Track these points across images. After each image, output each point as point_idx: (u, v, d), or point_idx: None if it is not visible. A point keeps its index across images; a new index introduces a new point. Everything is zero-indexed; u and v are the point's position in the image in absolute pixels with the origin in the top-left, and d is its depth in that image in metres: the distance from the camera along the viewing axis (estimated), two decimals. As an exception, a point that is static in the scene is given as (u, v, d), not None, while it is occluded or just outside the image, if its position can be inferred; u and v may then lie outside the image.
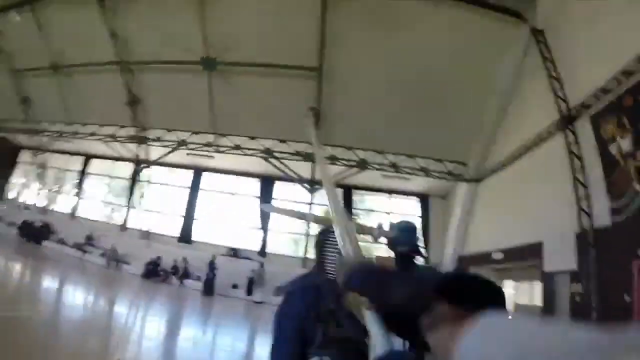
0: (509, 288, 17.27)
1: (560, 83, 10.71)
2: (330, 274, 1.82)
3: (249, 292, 16.85)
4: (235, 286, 17.12)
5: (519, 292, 15.63)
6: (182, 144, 18.49)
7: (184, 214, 21.37)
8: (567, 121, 10.42)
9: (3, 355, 4.11)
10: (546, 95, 11.66)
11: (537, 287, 13.61)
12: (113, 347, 6.04)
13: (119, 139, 19.83)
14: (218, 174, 21.90)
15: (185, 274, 17.34)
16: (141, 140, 19.40)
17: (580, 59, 10.22)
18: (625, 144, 8.33)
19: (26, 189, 26.33)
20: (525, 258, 12.85)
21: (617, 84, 8.45)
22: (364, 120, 16.48)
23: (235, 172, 21.33)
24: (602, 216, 9.21)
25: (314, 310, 1.71)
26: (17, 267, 12.11)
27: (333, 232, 1.84)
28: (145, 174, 20.73)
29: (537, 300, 13.54)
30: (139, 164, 20.33)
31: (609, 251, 8.87)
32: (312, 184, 18.61)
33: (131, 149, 20.12)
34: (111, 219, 23.54)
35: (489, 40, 13.66)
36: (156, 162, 20.32)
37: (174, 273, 17.34)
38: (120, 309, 9.86)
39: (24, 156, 25.99)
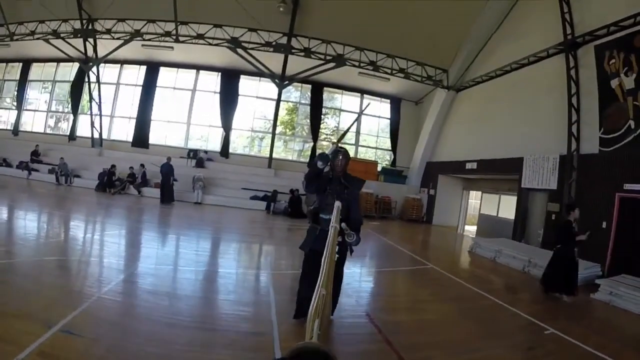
0: (473, 199, 19.79)
1: (569, 6, 11.36)
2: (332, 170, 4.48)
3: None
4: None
5: (484, 202, 18.01)
6: (136, 35, 17.16)
7: (138, 116, 20.62)
8: (570, 45, 11.30)
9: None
10: (548, 17, 12.45)
11: (506, 200, 15.93)
12: (74, 280, 5.38)
13: (62, 35, 17.96)
14: (175, 69, 20.92)
15: (144, 182, 16.83)
16: (88, 33, 17.67)
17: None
18: (628, 81, 9.53)
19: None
20: (502, 172, 14.59)
21: (633, 22, 9.32)
22: (344, 13, 16.10)
23: (195, 66, 20.54)
24: (590, 144, 10.75)
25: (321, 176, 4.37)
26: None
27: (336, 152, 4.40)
28: (93, 74, 19.19)
29: (503, 212, 16.07)
30: (87, 62, 18.69)
31: (591, 178, 10.57)
32: (283, 79, 18.47)
33: (77, 46, 18.32)
34: (58, 129, 22.38)
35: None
36: (106, 59, 18.73)
37: (132, 182, 16.72)
38: (76, 232, 8.99)
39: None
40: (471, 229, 19.09)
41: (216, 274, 6.77)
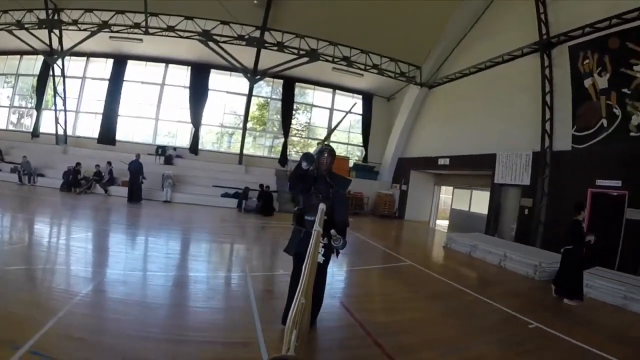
0: (444, 194, 20.03)
1: (545, 7, 11.55)
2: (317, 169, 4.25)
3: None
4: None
5: (455, 197, 18.27)
6: (104, 26, 16.20)
7: (104, 111, 19.51)
8: (545, 45, 11.49)
9: None
10: (524, 16, 12.61)
11: (478, 195, 16.22)
12: (41, 293, 4.82)
13: (26, 26, 16.75)
14: (144, 63, 19.92)
15: (111, 180, 15.95)
16: (54, 24, 16.57)
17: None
18: (601, 81, 9.76)
19: None
20: (475, 167, 14.80)
21: (609, 25, 9.51)
22: (319, 7, 15.77)
23: (164, 59, 19.65)
24: (562, 141, 11.00)
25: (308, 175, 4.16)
26: None
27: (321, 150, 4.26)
28: (58, 67, 18.10)
29: (475, 207, 16.39)
30: (52, 55, 17.55)
31: (564, 174, 10.82)
32: (255, 73, 18.00)
33: (42, 37, 17.18)
34: (21, 126, 20.94)
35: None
36: (72, 52, 17.63)
37: (98, 180, 15.78)
38: (41, 237, 8.15)
39: None
40: (442, 224, 19.33)
41: (191, 278, 6.29)
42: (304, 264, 3.10)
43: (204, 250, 8.99)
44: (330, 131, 5.62)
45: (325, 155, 4.29)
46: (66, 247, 7.53)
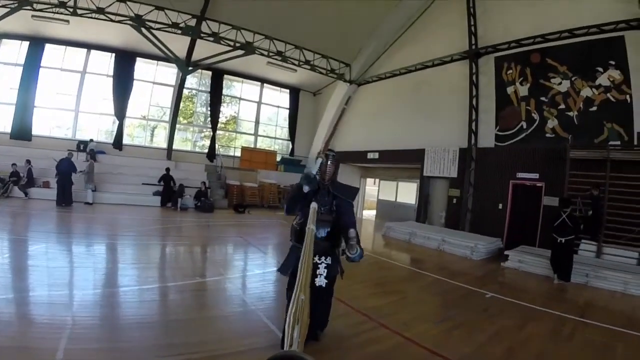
0: (369, 185, 21.54)
1: (475, 20, 13.28)
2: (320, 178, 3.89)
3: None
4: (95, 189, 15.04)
5: (382, 189, 20.00)
6: (25, 3, 14.38)
7: (18, 102, 16.96)
8: (474, 54, 13.22)
9: None
10: (455, 26, 14.13)
11: (404, 186, 18.05)
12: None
13: None
14: (64, 47, 17.89)
15: (30, 182, 14.39)
16: None
17: (500, 11, 12.77)
18: (522, 89, 11.70)
19: None
20: (404, 161, 16.28)
21: (532, 42, 11.39)
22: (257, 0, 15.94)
23: (87, 44, 18.00)
24: (486, 139, 12.83)
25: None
26: None
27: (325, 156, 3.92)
28: None
29: (401, 197, 18.28)
30: None
31: (488, 167, 12.62)
32: (189, 64, 17.73)
33: None
34: None
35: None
36: None
37: (16, 182, 14.08)
38: None
39: None
40: (369, 214, 20.89)
41: (171, 288, 5.82)
42: (300, 261, 2.99)
43: (168, 255, 8.50)
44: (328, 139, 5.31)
45: (329, 162, 3.89)
46: (34, 269, 6.08)
